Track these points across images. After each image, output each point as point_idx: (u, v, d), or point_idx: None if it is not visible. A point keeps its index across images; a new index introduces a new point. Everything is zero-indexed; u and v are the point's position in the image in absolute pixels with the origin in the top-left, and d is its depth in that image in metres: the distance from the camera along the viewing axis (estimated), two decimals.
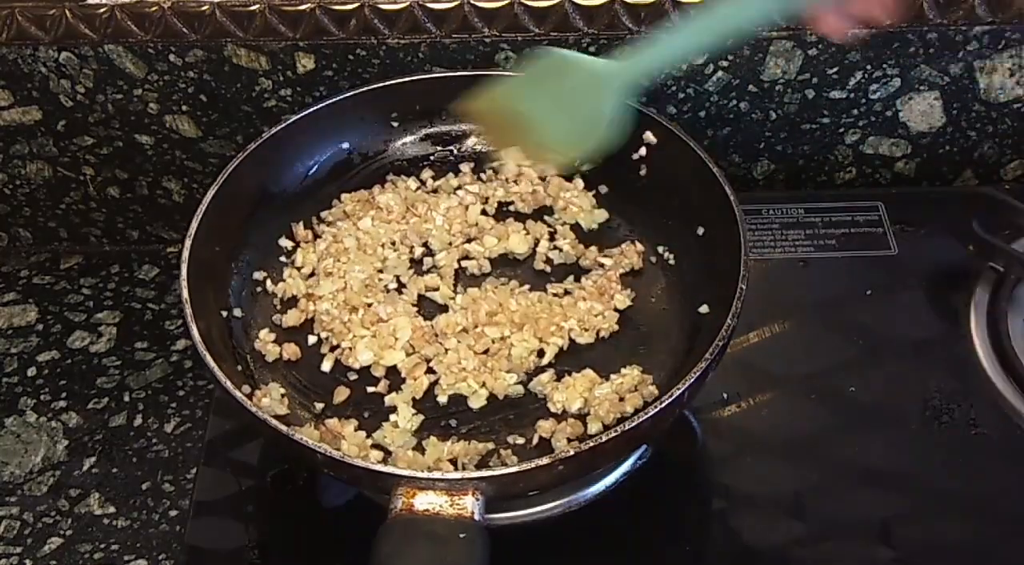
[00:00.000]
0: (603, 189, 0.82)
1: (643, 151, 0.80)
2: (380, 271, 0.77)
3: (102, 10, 0.82)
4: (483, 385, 0.71)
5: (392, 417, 0.70)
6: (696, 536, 0.74)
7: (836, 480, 0.75)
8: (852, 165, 0.96)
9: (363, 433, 0.68)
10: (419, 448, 0.68)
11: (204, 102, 0.87)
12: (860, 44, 0.86)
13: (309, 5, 0.82)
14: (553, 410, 0.70)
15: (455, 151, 0.85)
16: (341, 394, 0.71)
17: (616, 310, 0.75)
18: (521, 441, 0.68)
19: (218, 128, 0.89)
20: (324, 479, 0.74)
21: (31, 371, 0.87)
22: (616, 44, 0.85)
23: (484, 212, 0.81)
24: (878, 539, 0.72)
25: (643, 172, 0.80)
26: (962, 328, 0.82)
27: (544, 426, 0.69)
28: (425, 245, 0.79)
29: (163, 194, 0.94)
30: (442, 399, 0.71)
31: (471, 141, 0.86)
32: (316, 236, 0.80)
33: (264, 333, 0.74)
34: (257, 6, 0.82)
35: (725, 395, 0.79)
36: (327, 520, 0.73)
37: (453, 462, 0.67)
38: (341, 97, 0.81)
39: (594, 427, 0.68)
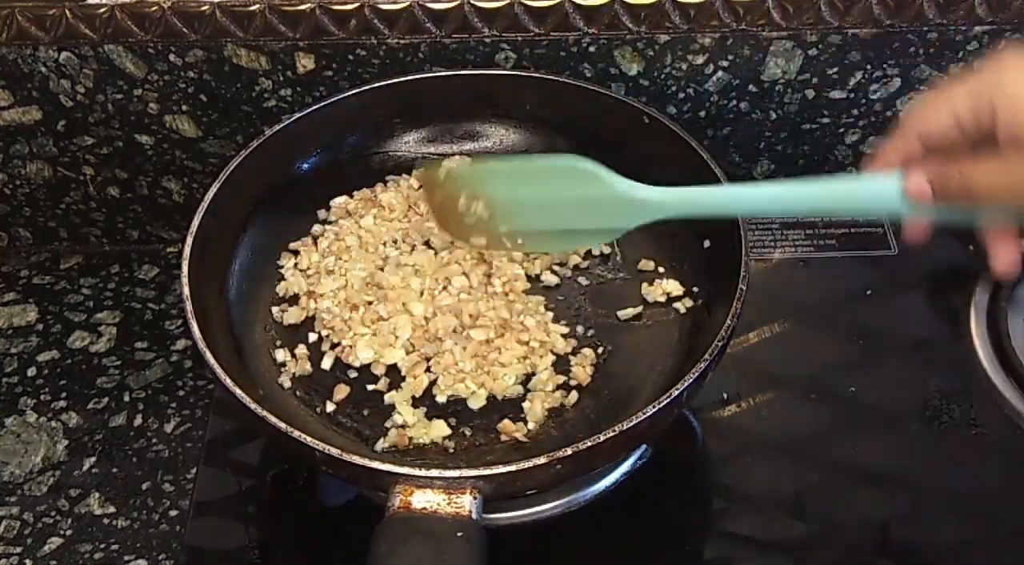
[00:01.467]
0: None
1: None
2: (381, 269, 0.77)
3: (102, 10, 0.82)
4: (482, 386, 0.71)
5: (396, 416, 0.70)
6: (696, 536, 0.74)
7: (836, 480, 0.75)
8: (852, 165, 0.96)
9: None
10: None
11: (204, 102, 0.87)
12: (860, 44, 0.86)
13: (309, 5, 0.82)
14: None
15: (456, 150, 0.85)
16: (341, 392, 0.71)
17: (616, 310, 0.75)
18: (520, 440, 0.68)
19: (218, 128, 0.89)
20: (324, 479, 0.74)
21: (31, 371, 0.87)
22: (616, 44, 0.85)
23: None
24: (878, 539, 0.72)
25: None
26: (962, 328, 0.82)
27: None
28: (427, 243, 0.79)
29: (163, 194, 0.94)
30: (441, 398, 0.71)
31: (472, 141, 0.86)
32: (318, 234, 0.80)
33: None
34: (257, 6, 0.82)
35: (725, 395, 0.79)
36: (327, 520, 0.73)
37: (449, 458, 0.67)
38: (341, 97, 0.81)
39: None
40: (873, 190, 0.60)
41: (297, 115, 0.80)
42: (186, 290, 0.68)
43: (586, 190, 0.67)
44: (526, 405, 0.70)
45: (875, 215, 0.61)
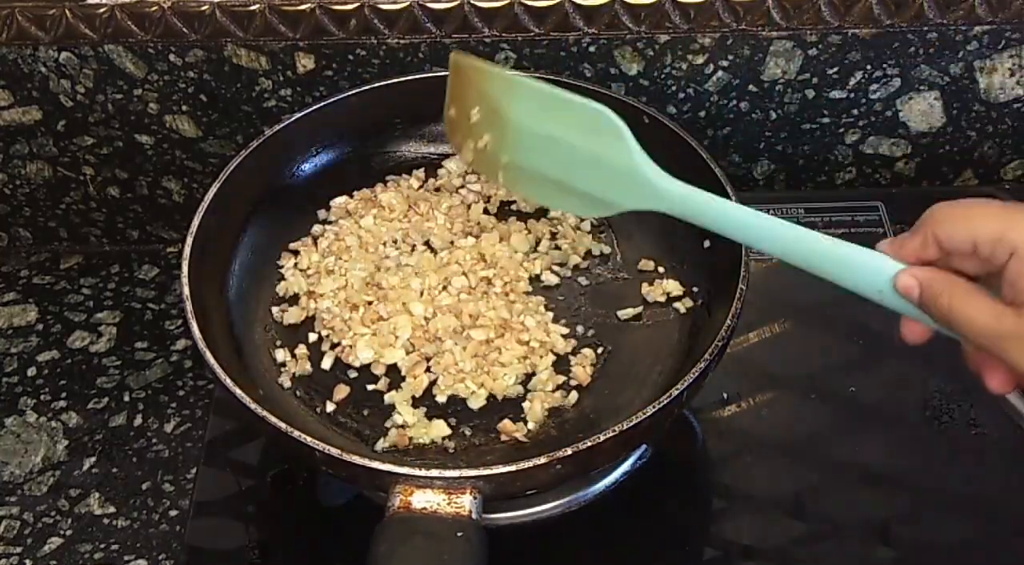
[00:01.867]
0: None
1: None
2: (381, 269, 0.77)
3: (102, 10, 0.82)
4: (482, 385, 0.71)
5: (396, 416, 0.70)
6: (696, 536, 0.74)
7: (836, 480, 0.75)
8: (852, 165, 0.96)
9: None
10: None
11: (204, 102, 0.88)
12: (860, 44, 0.86)
13: (309, 5, 0.82)
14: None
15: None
16: (341, 392, 0.71)
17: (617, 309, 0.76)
18: (520, 440, 0.69)
19: (218, 128, 0.89)
20: (324, 479, 0.74)
21: (31, 371, 0.87)
22: (616, 44, 0.85)
23: (486, 211, 0.81)
24: (878, 539, 0.72)
25: None
26: None
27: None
28: (427, 243, 0.79)
29: (163, 194, 0.94)
30: (441, 398, 0.71)
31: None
32: (318, 234, 0.80)
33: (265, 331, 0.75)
34: (257, 6, 0.82)
35: (725, 395, 0.79)
36: (327, 520, 0.73)
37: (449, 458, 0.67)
38: (341, 97, 0.81)
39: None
40: (868, 265, 0.56)
41: (297, 115, 0.80)
42: (186, 290, 0.68)
43: (602, 145, 0.65)
44: (526, 405, 0.70)
45: (863, 294, 0.57)
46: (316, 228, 0.81)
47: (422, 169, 0.84)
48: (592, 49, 0.86)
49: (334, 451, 0.60)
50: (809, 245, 0.59)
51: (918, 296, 0.54)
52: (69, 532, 0.76)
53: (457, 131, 0.74)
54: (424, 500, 0.59)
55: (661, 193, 0.64)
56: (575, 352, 0.73)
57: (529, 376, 0.72)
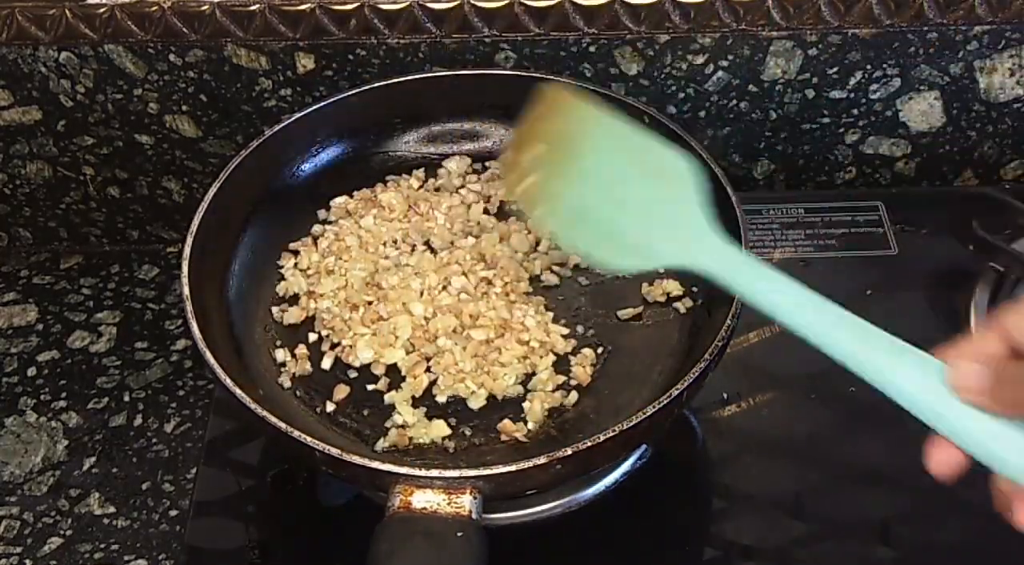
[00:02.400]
0: None
1: None
2: (381, 269, 0.77)
3: (102, 10, 0.82)
4: (482, 385, 0.71)
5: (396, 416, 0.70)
6: (696, 536, 0.74)
7: (836, 480, 0.75)
8: (852, 165, 0.96)
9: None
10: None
11: (204, 102, 0.88)
12: (860, 44, 0.86)
13: (309, 5, 0.83)
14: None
15: (456, 151, 0.85)
16: (341, 392, 0.71)
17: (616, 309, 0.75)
18: (520, 440, 0.68)
19: (218, 128, 0.89)
20: (324, 479, 0.74)
21: (31, 371, 0.87)
22: (616, 44, 0.85)
23: (486, 211, 0.81)
24: (878, 539, 0.72)
25: None
26: (962, 328, 0.82)
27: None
28: (427, 243, 0.79)
29: (163, 194, 0.94)
30: (441, 398, 0.71)
31: (472, 141, 0.86)
32: (318, 234, 0.80)
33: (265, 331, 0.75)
34: (257, 6, 0.82)
35: (725, 395, 0.79)
36: (327, 520, 0.73)
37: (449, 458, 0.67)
38: (341, 97, 0.81)
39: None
40: (914, 363, 0.53)
41: (297, 115, 0.80)
42: (186, 290, 0.68)
43: (667, 189, 0.62)
44: (526, 405, 0.70)
45: (910, 396, 0.52)
46: (316, 228, 0.81)
47: (422, 169, 0.84)
48: (592, 49, 0.86)
49: (334, 451, 0.60)
50: (859, 334, 0.55)
51: (981, 385, 0.49)
52: (69, 532, 0.76)
53: (513, 160, 0.70)
54: (424, 500, 0.59)
55: (710, 249, 0.59)
56: (575, 352, 0.73)
57: (529, 376, 0.72)
